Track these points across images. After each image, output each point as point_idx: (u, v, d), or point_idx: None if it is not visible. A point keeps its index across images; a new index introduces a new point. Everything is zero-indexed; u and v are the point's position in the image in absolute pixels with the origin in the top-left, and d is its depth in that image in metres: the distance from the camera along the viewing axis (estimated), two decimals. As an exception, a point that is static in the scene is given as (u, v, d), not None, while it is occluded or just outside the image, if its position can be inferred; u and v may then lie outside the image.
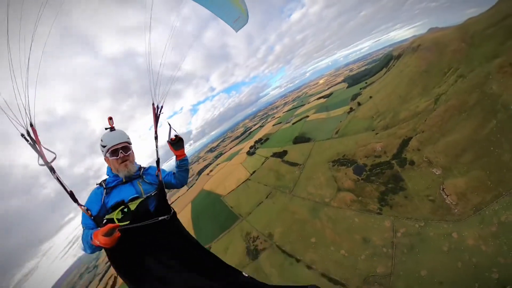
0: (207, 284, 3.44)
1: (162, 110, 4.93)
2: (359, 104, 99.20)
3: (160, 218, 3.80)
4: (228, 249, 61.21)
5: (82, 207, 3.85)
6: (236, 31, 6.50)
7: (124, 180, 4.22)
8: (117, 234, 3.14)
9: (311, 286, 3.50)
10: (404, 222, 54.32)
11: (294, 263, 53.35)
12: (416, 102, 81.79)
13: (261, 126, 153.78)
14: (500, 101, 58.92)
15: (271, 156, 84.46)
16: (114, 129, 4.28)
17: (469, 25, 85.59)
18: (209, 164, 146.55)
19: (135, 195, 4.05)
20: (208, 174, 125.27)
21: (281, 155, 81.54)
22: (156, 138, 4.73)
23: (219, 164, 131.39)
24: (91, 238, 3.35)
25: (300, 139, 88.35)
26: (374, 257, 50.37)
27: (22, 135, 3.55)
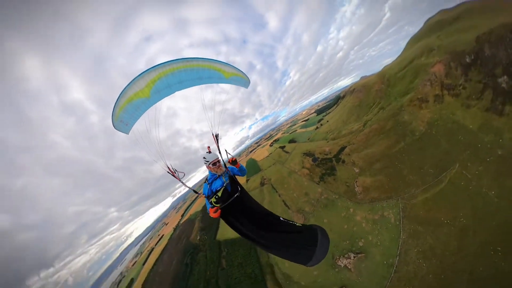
0: (263, 230, 5.24)
1: (219, 136, 7.04)
2: (321, 124, 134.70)
3: (234, 196, 5.78)
4: (254, 181, 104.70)
5: (203, 195, 6.24)
6: (246, 88, 8.28)
7: (217, 176, 6.38)
8: (219, 212, 5.42)
9: (316, 226, 4.78)
10: (329, 192, 72.14)
11: (276, 193, 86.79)
12: (352, 125, 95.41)
13: (276, 134, 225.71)
14: (409, 128, 67.62)
15: (279, 147, 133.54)
16: (210, 152, 6.55)
17: (385, 71, 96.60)
18: (254, 149, 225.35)
19: (221, 185, 6.12)
20: (250, 151, 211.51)
21: (282, 148, 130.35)
22: (220, 153, 6.79)
23: (258, 148, 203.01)
24: (208, 211, 5.59)
25: (291, 141, 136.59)
26: (307, 203, 74.22)
27: (168, 171, 6.26)
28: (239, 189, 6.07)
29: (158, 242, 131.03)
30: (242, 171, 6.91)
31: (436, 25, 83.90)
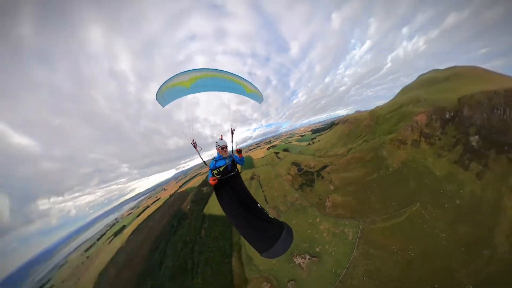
0: (242, 207, 5.39)
1: (234, 132, 7.60)
2: (313, 142, 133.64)
3: (231, 174, 6.11)
4: (246, 174, 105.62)
5: (209, 167, 6.61)
6: (259, 103, 8.74)
7: (223, 157, 6.73)
8: (216, 181, 5.72)
9: (285, 224, 4.95)
10: (303, 199, 70.45)
11: (260, 188, 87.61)
12: (338, 149, 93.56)
13: (275, 141, 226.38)
14: (385, 163, 65.17)
15: (274, 152, 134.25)
16: (222, 139, 7.02)
17: (377, 110, 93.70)
18: (254, 148, 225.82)
19: (223, 164, 6.45)
20: (250, 150, 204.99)
21: (276, 153, 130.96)
22: (232, 142, 7.40)
23: (257, 148, 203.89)
24: (208, 178, 6.01)
25: (285, 150, 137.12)
26: (283, 203, 73.95)
27: (191, 143, 6.66)
28: (236, 171, 6.48)
29: (154, 202, 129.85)
30: (241, 161, 7.26)
31: (427, 81, 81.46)
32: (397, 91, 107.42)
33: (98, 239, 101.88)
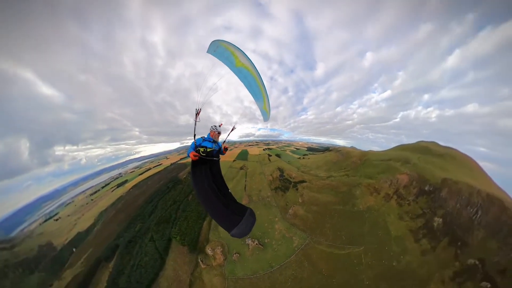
0: (215, 186, 5.03)
1: (234, 129, 7.11)
2: (303, 158, 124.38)
3: (214, 159, 5.73)
4: (238, 163, 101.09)
5: (195, 141, 5.98)
6: (264, 121, 8.23)
7: (212, 141, 6.27)
8: (196, 157, 5.34)
9: (249, 208, 4.73)
10: (273, 199, 69.46)
11: (244, 178, 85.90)
12: (320, 172, 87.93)
13: (273, 145, 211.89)
14: (353, 200, 60.41)
15: (267, 154, 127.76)
16: (220, 126, 6.55)
17: (368, 153, 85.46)
18: (252, 145, 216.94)
19: (210, 147, 6.02)
20: (250, 147, 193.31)
21: (269, 155, 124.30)
22: (228, 136, 6.89)
23: (255, 146, 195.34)
24: (190, 151, 5.58)
25: (277, 155, 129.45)
26: (257, 196, 72.53)
27: (196, 109, 5.81)
28: (218, 158, 6.23)
29: (156, 166, 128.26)
30: (221, 153, 6.80)
31: (424, 149, 70.32)
32: (393, 145, 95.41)
33: (102, 187, 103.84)
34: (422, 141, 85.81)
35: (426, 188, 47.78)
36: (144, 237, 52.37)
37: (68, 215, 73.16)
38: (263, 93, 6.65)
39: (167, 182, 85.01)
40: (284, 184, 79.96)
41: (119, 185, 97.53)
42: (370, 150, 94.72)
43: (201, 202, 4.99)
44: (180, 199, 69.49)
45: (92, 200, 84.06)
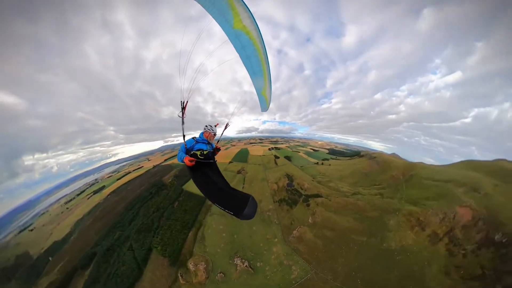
0: (219, 188, 5.51)
1: (228, 126, 7.65)
2: (322, 163, 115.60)
3: (211, 161, 6.17)
4: (235, 166, 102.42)
5: (185, 142, 6.17)
6: (261, 111, 8.65)
7: (207, 143, 6.65)
8: (193, 162, 5.52)
9: (251, 196, 5.23)
10: (275, 214, 67.44)
11: (242, 184, 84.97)
12: (344, 185, 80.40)
13: (282, 143, 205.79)
14: (383, 233, 53.59)
15: (274, 156, 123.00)
16: (216, 127, 6.94)
17: (417, 168, 73.25)
18: (255, 142, 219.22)
19: (206, 149, 6.34)
20: (253, 145, 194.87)
21: (276, 157, 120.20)
22: (222, 135, 7.49)
23: (258, 144, 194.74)
24: (184, 157, 5.69)
25: (287, 157, 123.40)
26: (260, 215, 68.74)
27: (181, 102, 5.79)
28: (216, 160, 6.60)
29: (136, 169, 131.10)
30: (214, 155, 7.07)
31: (505, 174, 57.02)
32: (457, 159, 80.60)
33: (78, 195, 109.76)
34: (503, 160, 68.09)
35: (497, 238, 38.26)
36: (123, 245, 56.23)
37: (43, 225, 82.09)
38: (264, 71, 6.27)
39: (149, 187, 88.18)
40: (292, 196, 76.38)
41: (95, 192, 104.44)
42: (421, 163, 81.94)
43: (209, 191, 5.50)
44: (164, 206, 71.64)
45: (67, 208, 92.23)
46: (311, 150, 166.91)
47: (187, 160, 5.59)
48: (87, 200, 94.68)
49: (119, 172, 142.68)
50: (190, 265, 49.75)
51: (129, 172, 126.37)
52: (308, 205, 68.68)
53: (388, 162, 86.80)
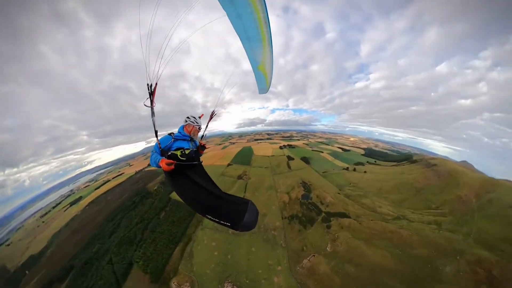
0: (208, 193, 5.05)
1: (214, 115, 7.35)
2: (354, 169, 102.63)
3: (195, 162, 5.69)
4: (235, 170, 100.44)
5: (159, 141, 5.66)
6: (259, 93, 8.28)
7: (189, 139, 6.21)
8: (172, 167, 5.01)
9: (250, 201, 4.99)
10: (282, 235, 62.11)
11: (243, 194, 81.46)
12: (384, 204, 69.07)
13: (298, 139, 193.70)
14: (432, 285, 42.69)
15: (286, 156, 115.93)
16: (200, 119, 6.54)
17: (500, 186, 59.12)
18: (262, 139, 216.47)
19: (188, 147, 5.90)
20: (258, 142, 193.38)
21: (289, 158, 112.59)
22: (206, 127, 7.09)
23: (266, 141, 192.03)
24: (158, 160, 5.16)
25: (304, 159, 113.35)
26: (259, 222, 62.78)
27: (148, 84, 5.38)
28: (201, 161, 6.25)
29: (116, 177, 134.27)
30: (199, 154, 6.82)
31: None
32: None
33: (53, 207, 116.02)
34: None
35: None
36: (102, 259, 59.09)
37: (20, 240, 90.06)
38: (262, 35, 5.79)
39: (132, 196, 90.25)
40: (308, 213, 70.17)
41: (72, 204, 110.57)
42: (507, 181, 66.41)
43: (195, 200, 5.28)
44: (149, 217, 73.32)
45: (43, 222, 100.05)
46: (339, 150, 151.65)
47: (163, 163, 5.08)
48: (63, 212, 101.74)
49: (97, 181, 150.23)
50: (173, 285, 50.48)
51: (108, 181, 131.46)
52: (328, 227, 63.09)
53: (454, 174, 74.13)
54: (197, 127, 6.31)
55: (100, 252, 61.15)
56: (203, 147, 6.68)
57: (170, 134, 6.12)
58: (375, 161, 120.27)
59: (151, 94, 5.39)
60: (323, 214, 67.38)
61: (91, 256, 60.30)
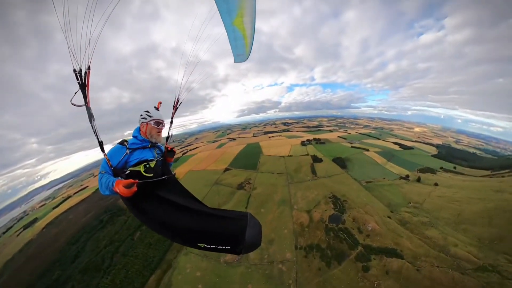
0: (193, 216, 5.10)
1: (179, 104, 7.65)
2: (418, 180, 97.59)
3: (164, 177, 5.74)
4: (234, 176, 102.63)
5: (107, 157, 5.47)
6: (234, 62, 9.21)
7: (150, 146, 6.23)
8: (134, 188, 4.56)
9: (249, 213, 5.35)
10: (293, 268, 59.88)
11: (246, 200, 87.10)
12: (460, 239, 61.80)
13: (330, 131, 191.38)
14: None
15: (311, 156, 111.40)
16: (158, 109, 6.60)
17: None
18: (276, 131, 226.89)
19: (152, 158, 6.00)
20: (270, 136, 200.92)
21: (314, 159, 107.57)
22: (171, 122, 7.29)
23: (282, 134, 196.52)
24: (112, 184, 4.75)
25: (339, 161, 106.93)
26: (261, 252, 65.35)
27: (75, 70, 4.93)
28: (174, 173, 6.49)
29: (78, 192, 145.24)
30: (169, 164, 7.22)
31: None
32: None
33: (4, 233, 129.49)
34: None
35: None
36: None
37: None
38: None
39: (100, 214, 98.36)
40: (337, 243, 67.97)
41: (26, 227, 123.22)
42: None
43: (177, 228, 5.22)
44: (121, 238, 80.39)
45: None
46: (396, 147, 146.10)
47: (120, 187, 4.72)
48: (16, 237, 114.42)
49: (55, 198, 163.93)
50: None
51: (69, 197, 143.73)
52: (366, 269, 58.26)
53: None
54: (153, 123, 6.17)
55: (60, 280, 68.95)
56: (171, 152, 6.78)
57: (122, 142, 5.95)
58: (454, 167, 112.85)
59: (83, 85, 5.21)
60: (360, 247, 63.31)
61: (49, 285, 68.51)
